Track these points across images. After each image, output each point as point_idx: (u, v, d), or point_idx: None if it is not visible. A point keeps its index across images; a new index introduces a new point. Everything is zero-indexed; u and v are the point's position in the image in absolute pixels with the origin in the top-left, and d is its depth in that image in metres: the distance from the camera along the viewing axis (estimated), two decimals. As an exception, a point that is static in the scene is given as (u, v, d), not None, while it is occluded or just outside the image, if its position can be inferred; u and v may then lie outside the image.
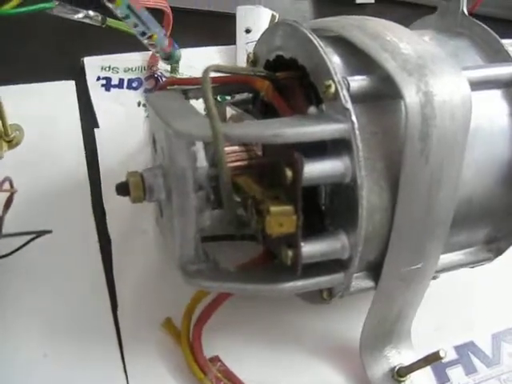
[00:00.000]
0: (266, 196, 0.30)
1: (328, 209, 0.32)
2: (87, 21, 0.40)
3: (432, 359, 0.35)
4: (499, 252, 0.37)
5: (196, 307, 0.37)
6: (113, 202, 0.42)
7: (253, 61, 0.38)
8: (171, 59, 0.46)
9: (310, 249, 0.30)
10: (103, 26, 0.42)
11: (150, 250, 0.40)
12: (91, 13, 0.40)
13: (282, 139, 0.28)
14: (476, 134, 0.32)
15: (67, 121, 0.45)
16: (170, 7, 0.48)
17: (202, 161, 0.31)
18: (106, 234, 0.41)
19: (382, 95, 0.30)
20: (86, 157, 0.44)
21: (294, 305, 0.38)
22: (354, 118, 0.29)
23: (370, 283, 0.34)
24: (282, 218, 0.29)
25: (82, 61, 0.49)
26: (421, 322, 0.40)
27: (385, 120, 0.30)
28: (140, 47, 0.46)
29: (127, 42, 0.47)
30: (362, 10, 0.59)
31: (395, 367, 0.38)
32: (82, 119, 0.46)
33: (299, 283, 0.31)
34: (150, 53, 0.49)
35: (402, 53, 0.30)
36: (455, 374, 0.40)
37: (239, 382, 0.36)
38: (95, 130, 0.45)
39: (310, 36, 0.31)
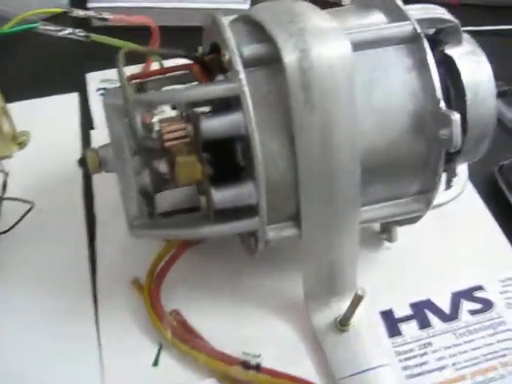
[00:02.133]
0: (179, 150, 0.35)
1: (244, 164, 0.37)
2: (73, 37, 0.48)
3: (355, 301, 0.38)
4: (428, 203, 0.39)
5: (158, 266, 0.43)
6: (101, 187, 0.49)
7: (202, 53, 0.44)
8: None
9: (221, 195, 0.35)
10: (88, 40, 0.49)
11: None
12: (75, 30, 0.48)
13: (177, 99, 0.34)
14: (373, 86, 0.36)
15: (69, 125, 0.54)
16: (158, 26, 0.55)
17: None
18: (92, 214, 0.48)
19: (274, 59, 0.35)
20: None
21: (247, 262, 0.43)
22: (241, 76, 0.33)
23: (293, 231, 0.38)
24: (188, 166, 0.34)
25: (85, 76, 0.57)
26: (376, 281, 0.43)
27: (278, 79, 0.35)
28: (137, 59, 0.53)
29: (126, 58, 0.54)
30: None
31: (337, 318, 0.41)
32: (82, 123, 0.54)
33: (216, 228, 0.36)
34: (143, 65, 0.56)
35: (291, 21, 0.35)
36: (408, 328, 0.42)
37: (192, 330, 0.41)
38: (91, 131, 0.53)
39: (216, 19, 0.37)
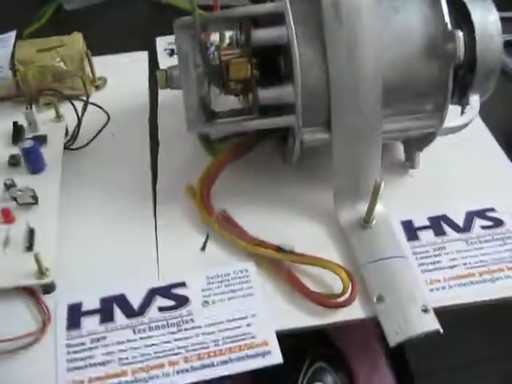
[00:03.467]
0: (233, 56, 0.43)
1: (286, 72, 0.44)
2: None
3: (375, 189, 0.44)
4: (441, 119, 0.46)
5: (208, 174, 0.50)
6: (166, 121, 0.58)
7: None
8: None
9: (265, 93, 0.43)
10: (163, 2, 0.59)
11: (188, 143, 0.53)
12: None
13: (233, 15, 0.43)
14: (393, 12, 0.43)
15: (139, 76, 0.63)
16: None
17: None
18: (156, 140, 0.56)
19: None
20: (150, 95, 0.61)
21: (286, 175, 0.50)
22: (285, -4, 0.42)
23: (325, 135, 0.45)
24: (239, 65, 0.42)
25: (155, 39, 0.67)
26: (397, 196, 0.50)
27: (314, 2, 0.42)
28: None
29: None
30: None
31: (361, 217, 0.47)
32: (150, 76, 0.63)
33: (260, 121, 0.44)
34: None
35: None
36: (425, 235, 0.48)
37: (236, 224, 0.48)
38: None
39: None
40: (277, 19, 0.43)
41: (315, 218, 0.49)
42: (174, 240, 0.48)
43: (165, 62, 0.64)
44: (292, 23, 0.41)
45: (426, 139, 0.48)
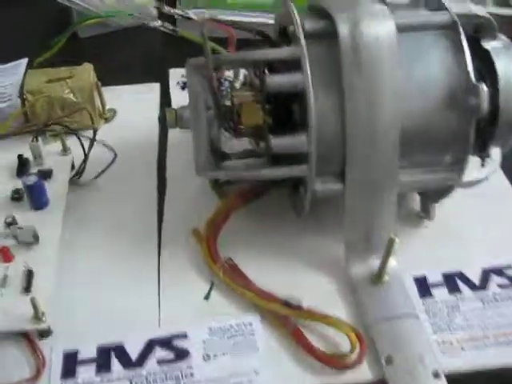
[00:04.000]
0: (246, 100, 0.42)
1: (300, 119, 0.43)
2: (163, 29, 0.56)
3: (389, 245, 0.42)
4: (461, 172, 0.44)
5: (216, 218, 0.48)
6: (173, 157, 0.56)
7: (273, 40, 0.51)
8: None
9: (277, 142, 0.41)
10: (175, 34, 0.58)
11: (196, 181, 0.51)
12: (165, 22, 0.56)
13: (248, 58, 0.41)
14: (414, 61, 0.42)
15: (150, 109, 0.62)
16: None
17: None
18: (164, 176, 0.55)
19: (331, 32, 0.41)
20: (160, 131, 0.59)
21: (296, 222, 0.48)
22: (302, 41, 0.40)
23: (338, 186, 0.43)
24: (252, 111, 0.41)
25: (168, 71, 0.66)
26: (411, 248, 0.48)
27: (332, 48, 0.41)
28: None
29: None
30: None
31: (374, 272, 0.45)
32: (161, 108, 0.62)
33: (272, 170, 0.42)
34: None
35: (347, 5, 0.42)
36: (438, 292, 0.46)
37: (242, 273, 0.46)
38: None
39: (288, 4, 0.44)
40: (293, 64, 0.41)
41: (324, 270, 0.47)
42: (177, 286, 0.46)
43: (177, 95, 0.63)
44: (309, 71, 0.40)
45: (443, 192, 0.47)
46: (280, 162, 0.42)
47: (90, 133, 0.52)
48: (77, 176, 0.52)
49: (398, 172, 0.43)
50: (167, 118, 0.46)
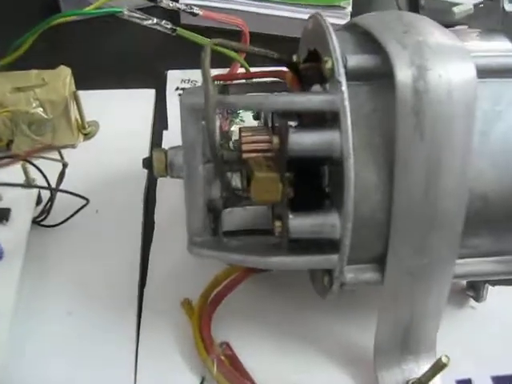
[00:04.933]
0: (259, 165, 0.31)
1: (330, 190, 0.32)
2: (158, 28, 0.45)
3: (437, 368, 0.32)
4: (537, 264, 0.34)
5: (213, 290, 0.38)
6: (164, 193, 0.45)
7: (296, 62, 0.40)
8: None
9: (299, 222, 0.30)
10: (174, 34, 0.46)
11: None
12: (161, 21, 0.45)
13: (266, 106, 0.30)
14: (493, 122, 0.31)
15: (141, 122, 0.50)
16: (249, 31, 0.52)
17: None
18: (151, 220, 0.44)
19: (383, 73, 0.30)
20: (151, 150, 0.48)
21: (313, 301, 0.37)
22: (343, 88, 0.29)
23: (374, 276, 0.33)
24: (267, 183, 0.30)
25: (166, 73, 0.54)
26: (456, 344, 0.38)
27: (386, 97, 0.29)
28: (220, 64, 0.50)
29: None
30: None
31: (408, 381, 0.35)
32: (154, 122, 0.50)
33: (288, 259, 0.31)
34: (228, 69, 0.52)
35: (406, 32, 0.30)
36: (490, 404, 0.36)
37: (242, 368, 0.36)
38: (164, 131, 0.50)
39: (320, 20, 0.32)
40: (327, 117, 0.30)
41: (346, 369, 0.37)
42: (158, 374, 0.36)
43: (174, 106, 0.51)
44: (350, 131, 0.29)
45: (507, 281, 0.36)
46: (299, 246, 0.31)
47: (64, 152, 0.42)
48: (42, 216, 0.41)
49: (455, 263, 0.32)
50: (154, 164, 0.35)
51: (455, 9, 0.61)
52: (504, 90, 0.31)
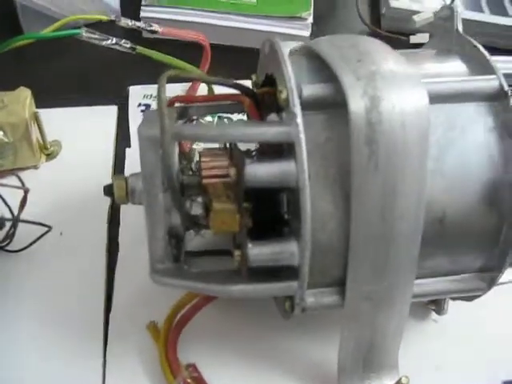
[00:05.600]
0: (217, 196, 0.31)
1: (288, 217, 0.32)
2: (117, 47, 0.45)
3: (398, 388, 0.33)
4: (491, 282, 0.34)
5: (178, 313, 0.38)
6: (128, 215, 0.45)
7: (255, 82, 0.40)
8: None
9: (258, 251, 0.31)
10: (133, 52, 0.46)
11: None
12: (120, 40, 0.45)
13: (223, 138, 0.30)
14: (447, 147, 0.31)
15: (103, 140, 0.50)
16: (210, 43, 0.52)
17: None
18: (115, 242, 0.44)
19: (338, 103, 0.30)
20: (114, 173, 0.48)
21: (276, 321, 0.38)
22: (298, 120, 0.29)
23: (335, 300, 0.33)
24: (224, 215, 0.30)
25: (128, 89, 0.53)
26: (419, 359, 0.39)
27: (340, 127, 0.30)
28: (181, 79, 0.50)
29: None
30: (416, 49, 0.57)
31: (371, 399, 0.36)
32: (117, 140, 0.50)
33: (249, 287, 0.32)
34: (190, 84, 0.52)
35: (360, 60, 0.30)
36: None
37: (208, 391, 0.36)
38: (127, 149, 0.49)
39: (276, 49, 0.32)
40: (283, 146, 0.31)
41: (311, 387, 0.37)
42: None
43: (137, 123, 0.49)
44: (305, 163, 0.29)
45: (464, 297, 0.37)
46: (259, 274, 0.32)
47: (26, 174, 0.41)
48: (5, 242, 0.41)
49: (413, 285, 0.33)
50: (115, 191, 0.35)
51: (415, 17, 0.61)
52: (456, 114, 0.32)
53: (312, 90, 0.30)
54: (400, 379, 0.32)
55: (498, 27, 0.61)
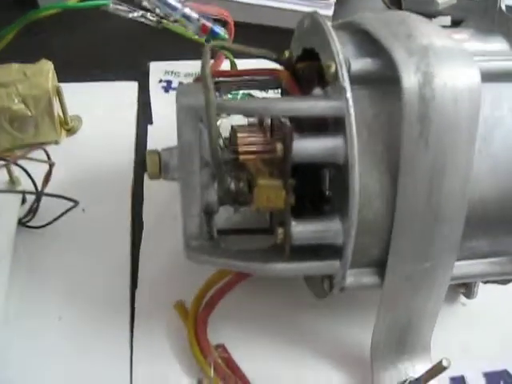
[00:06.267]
0: (260, 172, 0.30)
1: (330, 194, 0.32)
2: (143, 20, 0.44)
3: (436, 370, 0.32)
4: (529, 267, 0.34)
5: (207, 292, 0.38)
6: (152, 190, 0.44)
7: (289, 57, 0.39)
8: (216, 38, 0.46)
9: (301, 229, 0.30)
10: (159, 27, 0.45)
11: (179, 236, 0.40)
12: (147, 13, 0.44)
13: (269, 112, 0.29)
14: (494, 126, 0.31)
15: (124, 116, 0.49)
16: (234, 21, 0.51)
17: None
18: (139, 219, 0.43)
19: (387, 78, 0.29)
20: (136, 149, 0.47)
21: (308, 302, 0.37)
22: (348, 94, 0.28)
23: (374, 280, 0.33)
24: (270, 191, 0.29)
25: (148, 65, 0.52)
26: (448, 341, 0.38)
27: (388, 103, 0.29)
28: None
29: (193, 49, 0.49)
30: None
31: (406, 381, 0.35)
32: (138, 116, 0.49)
33: (290, 265, 0.31)
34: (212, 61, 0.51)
35: (410, 36, 0.30)
36: (480, 400, 0.37)
37: (238, 370, 0.36)
38: (149, 126, 0.48)
39: (321, 23, 0.31)
40: (329, 122, 0.30)
41: (342, 368, 0.37)
42: (154, 378, 0.36)
43: (159, 99, 0.50)
44: (355, 138, 0.28)
45: (499, 280, 0.37)
46: (301, 252, 0.31)
47: (48, 148, 0.40)
48: (28, 217, 0.40)
49: (453, 265, 0.33)
50: (148, 166, 0.34)
51: (439, -1, 0.61)
52: (503, 94, 0.31)
53: (360, 64, 0.30)
54: (441, 361, 0.32)
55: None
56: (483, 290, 0.40)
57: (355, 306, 0.38)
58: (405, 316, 0.34)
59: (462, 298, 0.41)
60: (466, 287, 0.40)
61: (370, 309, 0.34)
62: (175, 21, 0.43)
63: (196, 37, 0.47)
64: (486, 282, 0.39)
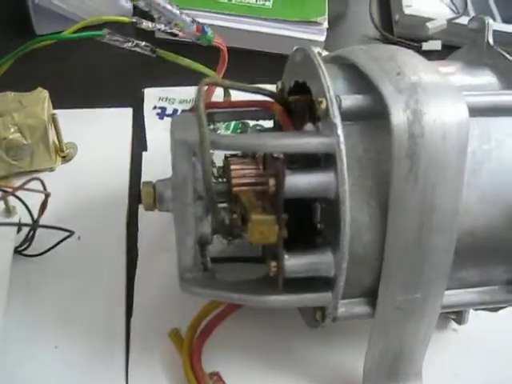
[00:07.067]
0: (253, 206, 0.31)
1: (321, 227, 0.32)
2: (138, 50, 0.44)
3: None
4: (518, 296, 0.35)
5: (202, 321, 0.38)
6: (147, 220, 0.44)
7: (281, 89, 0.40)
8: (202, 39, 0.47)
9: (294, 262, 0.30)
10: (154, 55, 0.45)
11: (173, 264, 0.41)
12: (141, 42, 0.44)
13: (263, 149, 0.29)
14: (483, 160, 0.31)
15: (119, 143, 0.49)
16: (227, 47, 0.51)
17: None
18: (134, 246, 0.43)
19: (377, 114, 0.30)
20: (131, 176, 0.47)
21: (301, 330, 0.38)
22: (339, 131, 0.29)
23: (366, 310, 0.33)
24: (263, 226, 0.30)
25: (143, 91, 0.53)
26: (439, 368, 0.39)
27: (378, 138, 0.30)
28: (197, 81, 0.49)
29: (187, 76, 0.50)
30: (428, 56, 0.58)
31: (398, 408, 0.36)
32: (133, 142, 0.50)
33: (283, 298, 0.32)
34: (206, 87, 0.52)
35: (399, 73, 0.30)
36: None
37: (234, 399, 0.36)
38: (143, 153, 0.49)
39: (312, 58, 0.32)
40: (320, 157, 0.31)
41: (336, 397, 0.37)
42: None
43: (153, 125, 0.51)
44: (346, 175, 0.29)
45: (488, 308, 0.37)
46: (293, 285, 0.31)
47: (42, 177, 0.40)
48: (24, 246, 0.41)
49: (443, 295, 0.33)
50: (143, 197, 0.35)
51: (429, 24, 0.62)
52: (491, 127, 0.32)
53: (351, 100, 0.30)
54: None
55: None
56: (474, 316, 0.40)
57: (348, 333, 0.39)
58: (396, 344, 0.34)
59: (453, 324, 0.41)
60: (456, 313, 0.41)
61: (363, 336, 0.35)
62: (175, 24, 0.44)
63: (191, 62, 0.48)
64: (476, 309, 0.39)
